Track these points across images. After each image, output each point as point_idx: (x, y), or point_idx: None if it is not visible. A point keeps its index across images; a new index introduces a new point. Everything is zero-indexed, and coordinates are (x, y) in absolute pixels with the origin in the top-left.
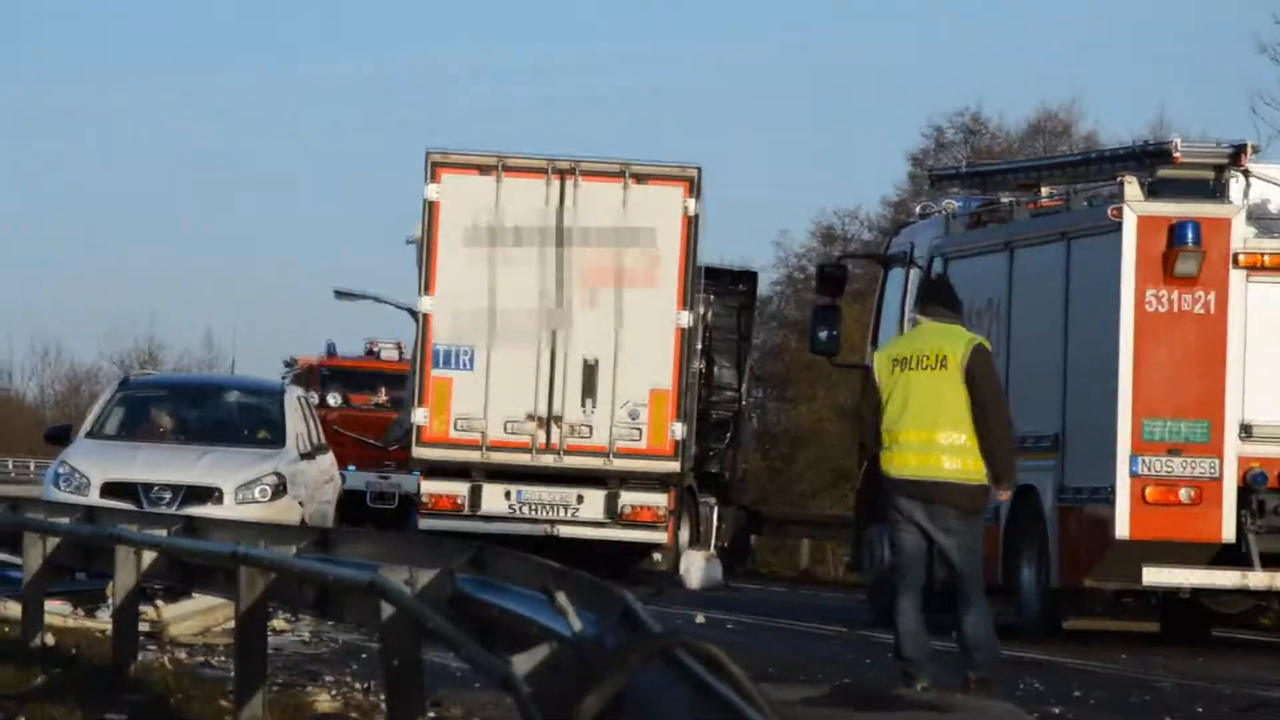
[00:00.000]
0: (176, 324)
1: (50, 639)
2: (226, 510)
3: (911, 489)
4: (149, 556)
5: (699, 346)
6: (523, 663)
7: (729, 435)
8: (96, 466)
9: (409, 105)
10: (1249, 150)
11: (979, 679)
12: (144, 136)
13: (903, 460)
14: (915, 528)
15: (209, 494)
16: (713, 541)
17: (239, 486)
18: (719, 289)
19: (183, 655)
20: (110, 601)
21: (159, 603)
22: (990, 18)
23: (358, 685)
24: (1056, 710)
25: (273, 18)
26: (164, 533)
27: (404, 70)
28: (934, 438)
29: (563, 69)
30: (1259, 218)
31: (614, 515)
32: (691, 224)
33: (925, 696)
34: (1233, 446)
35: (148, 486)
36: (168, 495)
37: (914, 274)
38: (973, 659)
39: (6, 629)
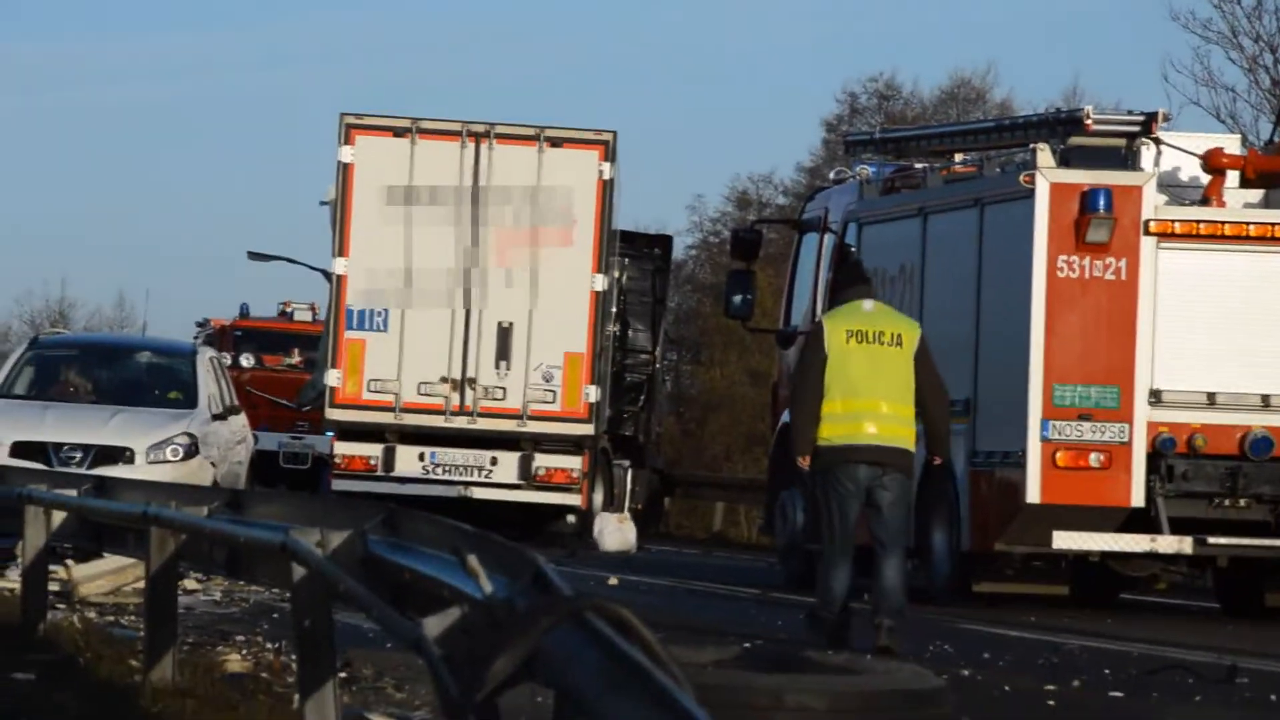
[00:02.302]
0: (88, 284)
1: None
2: (138, 470)
3: (870, 454)
4: (59, 516)
5: (613, 310)
6: (434, 625)
7: (643, 398)
8: (6, 426)
9: (323, 68)
10: (1160, 118)
11: (889, 628)
12: (59, 96)
13: (863, 428)
14: (859, 497)
15: (120, 454)
16: (626, 504)
17: (150, 446)
18: (634, 253)
19: (93, 615)
20: (19, 561)
21: (69, 562)
22: None
23: (269, 645)
24: (966, 673)
25: None
26: (74, 493)
27: (318, 34)
28: (895, 409)
29: (477, 35)
30: (1170, 185)
31: (528, 478)
32: (606, 188)
33: (836, 659)
34: (1142, 412)
35: (58, 446)
36: (78, 455)
37: (828, 239)
38: (885, 605)
39: None
